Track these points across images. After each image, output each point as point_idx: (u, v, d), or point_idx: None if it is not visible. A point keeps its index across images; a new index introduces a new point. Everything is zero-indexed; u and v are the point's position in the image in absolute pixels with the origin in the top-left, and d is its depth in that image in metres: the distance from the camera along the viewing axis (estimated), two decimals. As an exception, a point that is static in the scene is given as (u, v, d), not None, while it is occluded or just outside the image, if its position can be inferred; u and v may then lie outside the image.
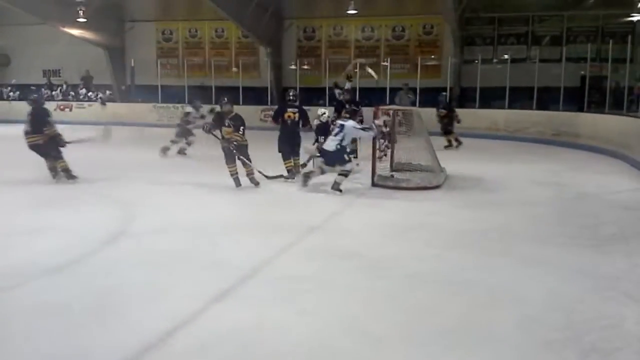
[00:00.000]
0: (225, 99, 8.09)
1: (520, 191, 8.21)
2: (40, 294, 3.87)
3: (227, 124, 7.91)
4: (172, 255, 4.82)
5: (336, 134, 7.83)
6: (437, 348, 3.19)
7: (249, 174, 8.02)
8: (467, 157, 11.83)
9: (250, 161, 8.02)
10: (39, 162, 8.20)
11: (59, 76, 24.45)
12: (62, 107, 22.17)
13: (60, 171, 8.26)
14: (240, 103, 20.75)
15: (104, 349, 3.07)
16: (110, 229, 5.61)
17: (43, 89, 22.55)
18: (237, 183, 7.92)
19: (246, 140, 8.01)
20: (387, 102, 16.78)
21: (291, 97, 9.00)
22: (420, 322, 3.51)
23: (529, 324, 3.50)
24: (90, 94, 22.84)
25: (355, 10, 19.20)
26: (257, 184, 8.01)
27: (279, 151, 8.87)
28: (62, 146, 8.28)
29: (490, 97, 18.53)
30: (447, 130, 13.87)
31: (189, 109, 11.97)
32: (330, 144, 7.81)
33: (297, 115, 8.77)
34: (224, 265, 4.56)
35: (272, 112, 9.30)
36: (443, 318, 3.59)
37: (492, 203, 7.33)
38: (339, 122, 8.18)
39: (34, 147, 8.16)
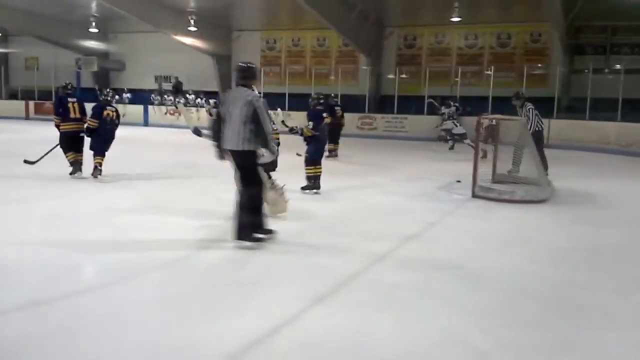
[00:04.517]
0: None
1: (634, 209, 7.69)
2: (156, 287, 4.12)
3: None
4: (274, 256, 4.95)
5: None
6: (544, 367, 3.06)
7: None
8: (576, 172, 11.24)
9: None
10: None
11: (170, 82, 25.86)
12: (171, 111, 23.42)
13: None
14: (340, 110, 21.01)
15: (215, 340, 3.21)
16: (218, 228, 5.85)
17: (153, 95, 23.95)
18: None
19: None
20: (489, 111, 16.31)
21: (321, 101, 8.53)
22: (526, 339, 3.36)
23: (647, 349, 3.27)
24: (198, 100, 23.93)
25: (459, 17, 18.87)
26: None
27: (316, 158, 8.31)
28: None
29: (601, 109, 17.55)
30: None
31: None
32: None
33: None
34: (324, 268, 4.61)
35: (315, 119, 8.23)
36: (551, 336, 3.42)
37: (603, 221, 6.91)
38: None
39: None
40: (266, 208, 5.69)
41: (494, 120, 13.47)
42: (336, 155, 12.86)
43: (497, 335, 3.38)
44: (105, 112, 8.77)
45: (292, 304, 3.75)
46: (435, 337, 3.34)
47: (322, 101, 8.61)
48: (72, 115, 8.78)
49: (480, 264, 4.90)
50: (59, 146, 9.04)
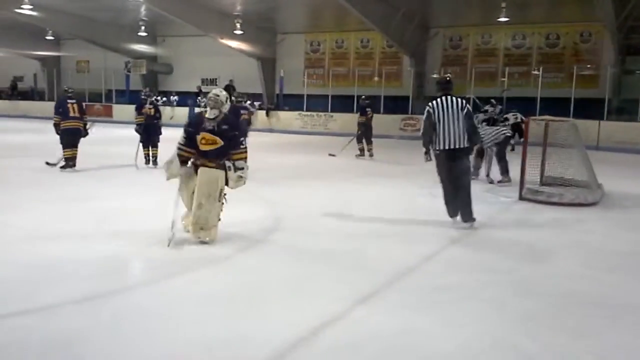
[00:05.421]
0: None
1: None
2: (205, 284, 4.20)
3: None
4: (319, 256, 5.01)
5: None
6: (596, 374, 3.00)
7: None
8: (627, 174, 10.92)
9: None
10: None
11: (216, 85, 26.24)
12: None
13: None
14: (381, 112, 20.97)
15: (262, 337, 3.26)
16: (263, 228, 5.93)
17: (200, 97, 24.34)
18: None
19: None
20: (537, 112, 16.01)
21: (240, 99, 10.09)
22: (577, 345, 3.29)
23: None
24: (243, 102, 24.16)
25: (506, 17, 18.54)
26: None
27: None
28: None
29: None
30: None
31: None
32: None
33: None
34: (369, 269, 4.62)
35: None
36: (600, 342, 3.35)
37: (657, 225, 6.70)
38: None
39: None
40: (190, 228, 5.19)
41: (519, 118, 13.57)
42: (372, 155, 12.98)
43: (545, 341, 3.32)
44: (143, 109, 10.22)
45: (337, 303, 3.77)
46: (481, 341, 3.30)
47: (240, 99, 10.53)
48: (71, 114, 9.60)
49: (529, 267, 4.82)
50: (140, 143, 10.35)
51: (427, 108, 6.12)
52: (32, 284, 4.03)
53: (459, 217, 6.22)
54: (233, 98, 6.12)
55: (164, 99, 25.82)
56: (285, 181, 9.12)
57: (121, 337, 3.24)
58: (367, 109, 13.27)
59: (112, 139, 16.05)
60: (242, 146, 5.30)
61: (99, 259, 4.66)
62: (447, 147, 5.99)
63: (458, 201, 6.18)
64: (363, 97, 14.29)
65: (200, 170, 5.15)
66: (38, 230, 5.58)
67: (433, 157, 6.18)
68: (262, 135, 20.46)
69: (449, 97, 6.08)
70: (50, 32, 28.14)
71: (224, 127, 5.16)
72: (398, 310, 3.73)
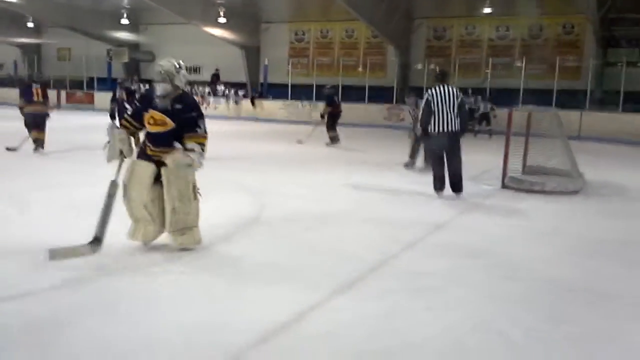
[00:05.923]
0: None
1: (670, 203, 7.53)
2: (185, 271, 4.16)
3: None
4: (301, 244, 4.99)
5: None
6: (576, 358, 3.03)
7: None
8: (608, 164, 11.06)
9: None
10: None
11: (199, 73, 26.03)
12: (200, 102, 23.60)
13: None
14: (366, 101, 21.00)
15: (242, 322, 3.24)
16: (244, 215, 5.89)
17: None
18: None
19: None
20: (520, 103, 16.12)
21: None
22: (557, 330, 3.32)
23: (681, 342, 3.21)
24: (227, 91, 24.10)
25: (490, 9, 18.62)
26: None
27: None
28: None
29: (634, 102, 17.24)
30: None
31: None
32: None
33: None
34: (351, 256, 4.61)
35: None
36: (582, 328, 3.38)
37: (635, 213, 6.81)
38: None
39: None
40: (170, 236, 4.55)
41: (487, 108, 13.90)
42: (338, 141, 13.05)
43: (527, 326, 3.34)
44: (117, 96, 11.03)
45: (320, 290, 3.76)
46: (465, 325, 3.32)
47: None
48: (35, 98, 9.82)
49: (512, 253, 4.86)
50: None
51: (426, 96, 6.92)
52: (16, 271, 3.99)
53: (444, 192, 7.10)
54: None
55: (146, 86, 25.52)
56: (267, 170, 9.09)
57: (103, 320, 3.21)
58: (335, 97, 13.37)
59: (92, 126, 15.86)
60: (199, 129, 4.34)
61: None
62: (442, 130, 6.83)
63: (450, 176, 7.02)
64: (328, 86, 14.25)
65: (162, 170, 4.36)
66: (18, 217, 5.51)
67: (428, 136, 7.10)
68: (247, 124, 20.39)
69: (445, 87, 6.90)
70: (31, 18, 27.69)
71: (178, 106, 4.30)
72: (382, 295, 3.74)
